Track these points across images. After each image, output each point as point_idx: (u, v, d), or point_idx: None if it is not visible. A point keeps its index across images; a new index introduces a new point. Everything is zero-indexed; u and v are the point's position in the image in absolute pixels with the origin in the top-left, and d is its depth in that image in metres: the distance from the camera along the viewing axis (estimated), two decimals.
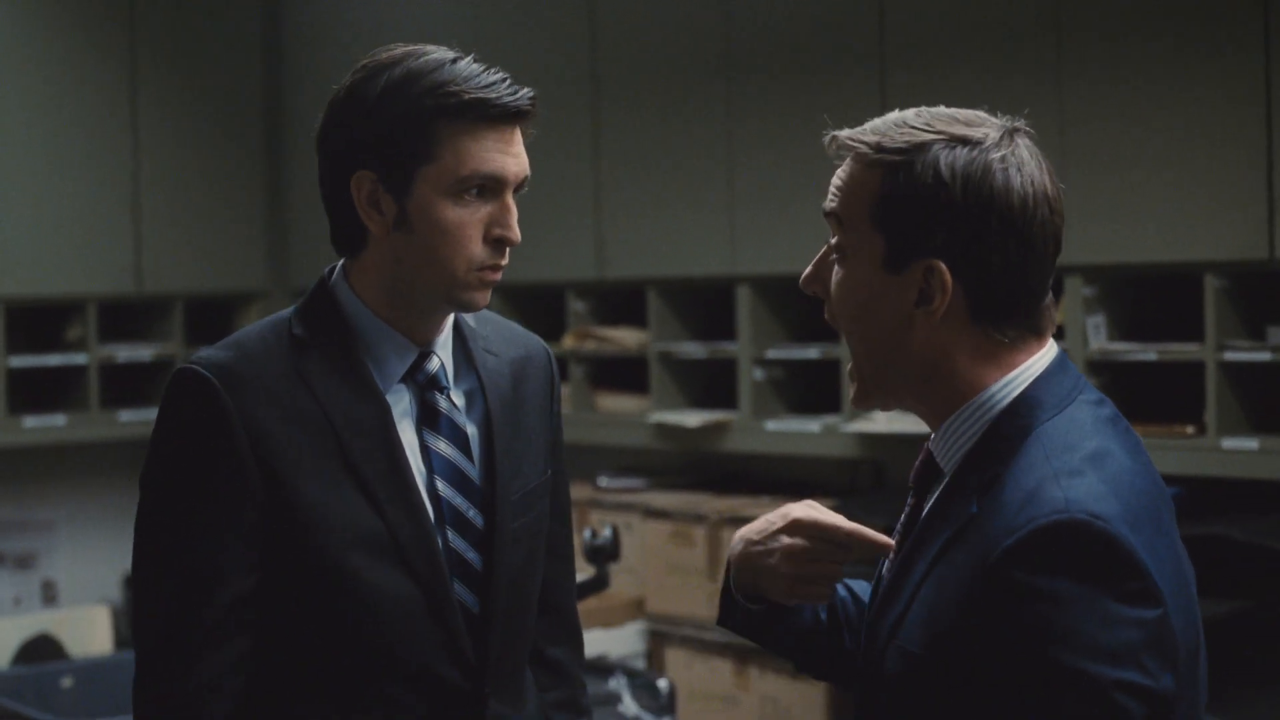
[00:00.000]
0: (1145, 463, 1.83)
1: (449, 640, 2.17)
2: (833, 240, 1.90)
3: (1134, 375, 4.05)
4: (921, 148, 1.82)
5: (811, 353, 4.72)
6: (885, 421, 4.44)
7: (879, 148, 1.83)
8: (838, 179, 1.89)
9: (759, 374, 4.82)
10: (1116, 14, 3.99)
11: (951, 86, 4.17)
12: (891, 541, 1.94)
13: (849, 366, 1.92)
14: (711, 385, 5.15)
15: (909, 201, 1.81)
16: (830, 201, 1.89)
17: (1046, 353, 1.87)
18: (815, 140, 4.53)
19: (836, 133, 1.89)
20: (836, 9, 4.58)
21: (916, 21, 4.38)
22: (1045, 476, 1.74)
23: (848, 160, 1.88)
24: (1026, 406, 1.82)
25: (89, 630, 5.83)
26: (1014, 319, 1.84)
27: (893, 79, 4.38)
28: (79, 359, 5.78)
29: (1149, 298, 4.11)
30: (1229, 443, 3.81)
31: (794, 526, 2.00)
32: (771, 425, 4.79)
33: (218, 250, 6.14)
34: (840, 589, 2.15)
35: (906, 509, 1.94)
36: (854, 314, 1.87)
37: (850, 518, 4.52)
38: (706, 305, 5.14)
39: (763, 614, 2.08)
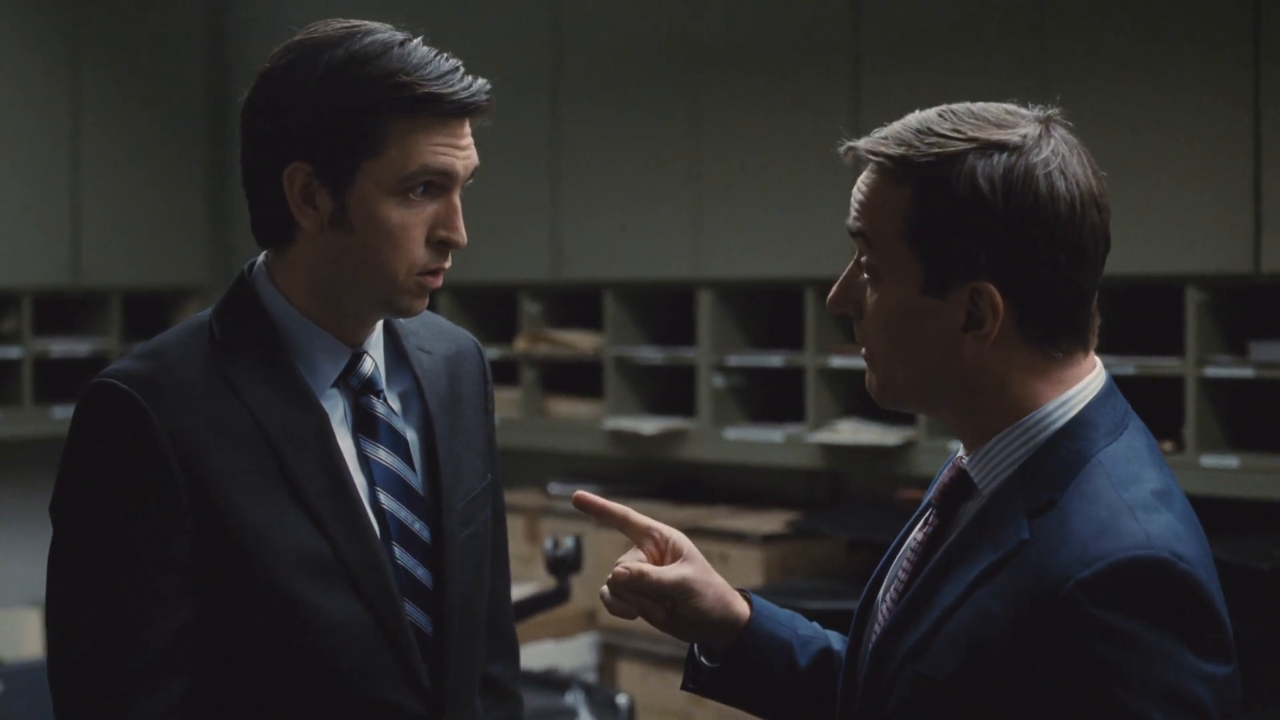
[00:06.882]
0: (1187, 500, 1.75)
1: (404, 666, 2.03)
2: (861, 260, 1.75)
3: None
4: (954, 159, 1.67)
5: (774, 360, 4.63)
6: (850, 432, 4.37)
7: (905, 161, 1.69)
8: (860, 193, 1.73)
9: (719, 381, 4.74)
10: (1102, 12, 3.93)
11: (928, 87, 4.02)
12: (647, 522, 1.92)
13: (863, 352, 1.78)
14: (669, 392, 5.07)
15: (946, 222, 1.67)
16: (854, 220, 1.73)
17: (1098, 373, 1.77)
18: (786, 140, 4.52)
19: (853, 143, 1.74)
20: (809, 3, 4.46)
21: (893, 17, 4.29)
22: (1118, 508, 1.63)
23: (868, 171, 1.73)
24: (1082, 429, 1.71)
25: (18, 634, 5.71)
26: (1066, 333, 1.73)
27: (867, 79, 4.29)
28: (13, 353, 5.69)
29: (1128, 310, 4.03)
30: (1208, 460, 3.78)
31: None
32: (731, 434, 4.70)
33: (158, 244, 6.06)
34: (836, 640, 2.04)
35: (927, 527, 1.82)
36: (892, 338, 1.73)
37: (813, 531, 4.41)
38: (665, 310, 5.05)
39: (723, 669, 1.97)
